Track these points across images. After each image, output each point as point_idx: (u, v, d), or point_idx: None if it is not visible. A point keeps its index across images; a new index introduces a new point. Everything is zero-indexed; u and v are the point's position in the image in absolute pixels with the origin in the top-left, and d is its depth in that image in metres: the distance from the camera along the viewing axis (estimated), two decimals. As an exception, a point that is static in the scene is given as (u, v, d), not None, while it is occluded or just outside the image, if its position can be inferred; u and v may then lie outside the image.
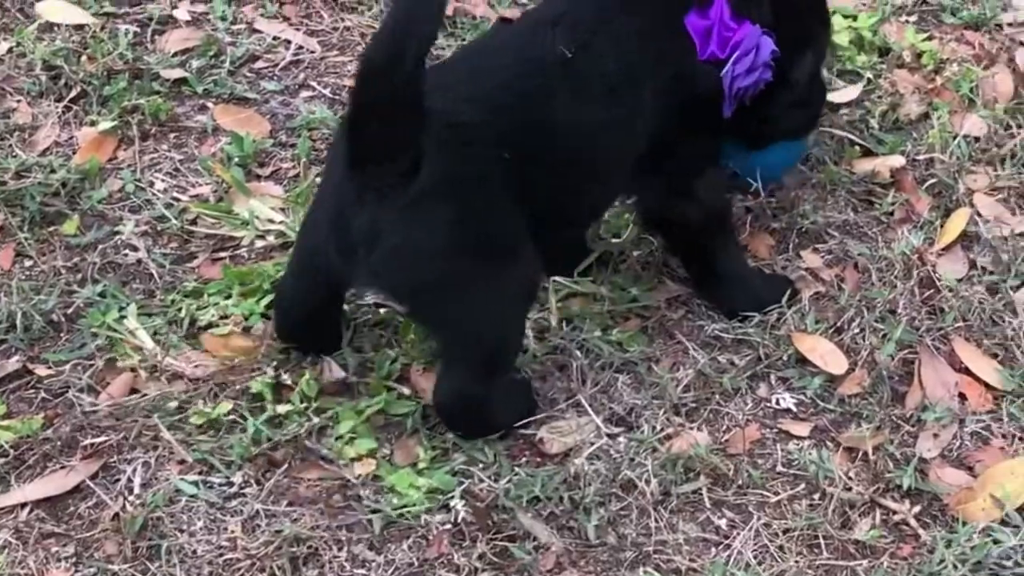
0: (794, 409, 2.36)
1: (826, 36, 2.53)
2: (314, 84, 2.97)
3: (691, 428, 2.31)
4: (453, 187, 2.06)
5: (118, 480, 2.23)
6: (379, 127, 1.99)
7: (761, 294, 2.46)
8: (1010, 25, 3.09)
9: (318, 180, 2.62)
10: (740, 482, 2.25)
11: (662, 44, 2.30)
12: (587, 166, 2.27)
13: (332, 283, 2.22)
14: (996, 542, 2.13)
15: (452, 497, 2.18)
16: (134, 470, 2.24)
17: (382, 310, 2.47)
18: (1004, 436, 2.30)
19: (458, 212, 2.08)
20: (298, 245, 2.34)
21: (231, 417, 2.29)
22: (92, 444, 2.26)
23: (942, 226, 2.62)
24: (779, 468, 2.27)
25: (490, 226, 2.13)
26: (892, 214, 2.66)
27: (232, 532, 2.15)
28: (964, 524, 2.15)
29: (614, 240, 2.56)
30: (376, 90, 1.98)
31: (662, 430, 2.29)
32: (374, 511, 2.17)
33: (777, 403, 2.37)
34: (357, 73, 2.07)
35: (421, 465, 2.23)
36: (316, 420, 2.29)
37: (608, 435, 2.29)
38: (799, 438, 2.32)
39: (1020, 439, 2.29)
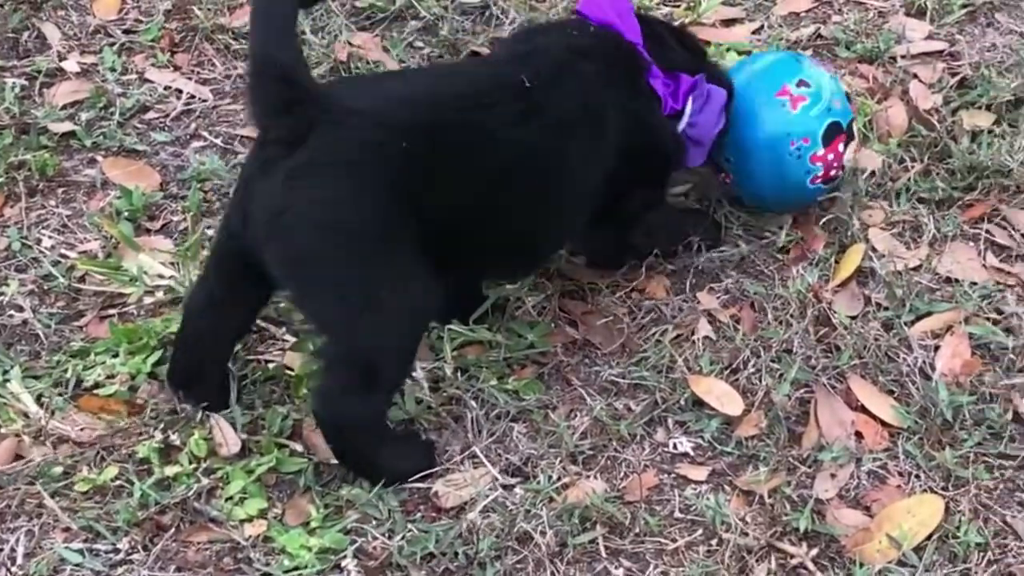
0: (691, 453, 2.34)
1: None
2: (205, 134, 2.93)
3: (588, 476, 2.28)
4: (340, 167, 2.05)
5: (0, 550, 2.17)
6: (269, 87, 2.03)
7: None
8: (903, 57, 3.11)
9: (210, 232, 2.58)
10: (637, 530, 2.22)
11: (624, 97, 2.37)
12: (528, 201, 2.27)
13: (248, 270, 2.16)
14: (893, 583, 2.12)
15: (344, 556, 2.14)
16: (17, 540, 2.18)
17: (271, 364, 2.42)
18: (901, 474, 2.29)
19: (341, 193, 2.06)
20: (215, 241, 2.32)
21: (117, 482, 2.24)
22: (-26, 514, 2.20)
23: (837, 262, 2.61)
24: (676, 514, 2.25)
25: (378, 221, 2.08)
26: (788, 251, 2.64)
27: (119, 601, 2.10)
28: (861, 566, 2.13)
29: (509, 286, 2.53)
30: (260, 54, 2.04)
31: (558, 479, 2.27)
32: (264, 575, 2.12)
33: (674, 447, 2.35)
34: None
35: (313, 524, 2.19)
36: (205, 481, 2.25)
37: (504, 486, 2.26)
38: (697, 483, 2.30)
39: (916, 477, 2.28)
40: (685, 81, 2.42)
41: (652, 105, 2.40)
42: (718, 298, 2.58)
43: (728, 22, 3.25)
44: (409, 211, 2.08)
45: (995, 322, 2.51)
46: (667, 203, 2.63)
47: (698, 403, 2.39)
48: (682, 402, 2.39)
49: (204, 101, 3.00)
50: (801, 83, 2.55)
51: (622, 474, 2.30)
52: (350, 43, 3.09)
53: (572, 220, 2.39)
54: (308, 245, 2.06)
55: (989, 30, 3.21)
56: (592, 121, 2.31)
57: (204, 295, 2.26)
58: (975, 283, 2.57)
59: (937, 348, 2.45)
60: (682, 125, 2.44)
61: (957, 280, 2.58)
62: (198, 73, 3.07)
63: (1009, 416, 2.34)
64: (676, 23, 2.89)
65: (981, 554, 2.16)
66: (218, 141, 2.90)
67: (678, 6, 3.28)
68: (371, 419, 2.17)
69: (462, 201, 2.16)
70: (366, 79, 2.58)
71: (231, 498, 2.22)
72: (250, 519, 2.20)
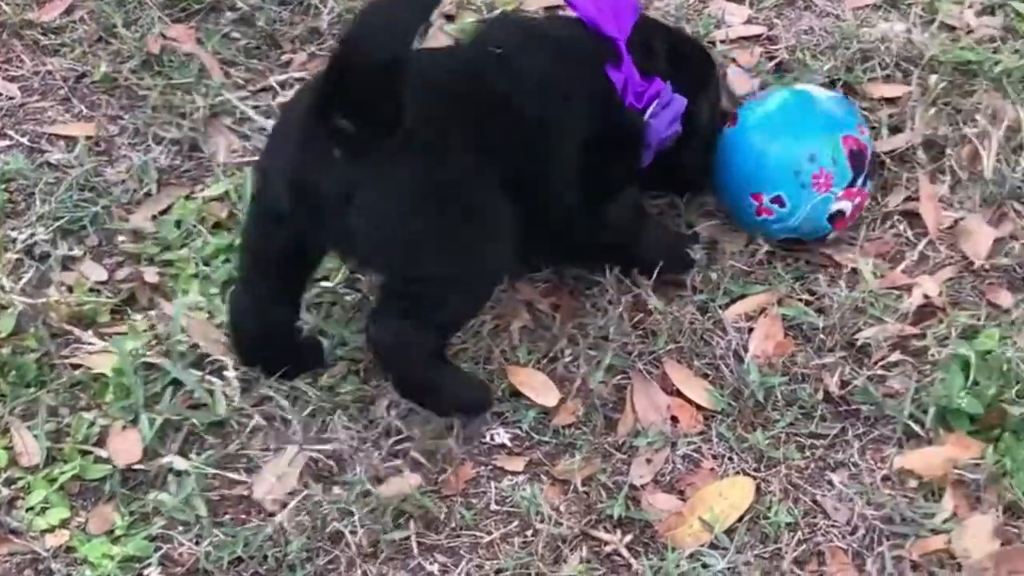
0: (509, 444, 2.33)
1: (716, 77, 2.65)
2: (11, 132, 2.83)
3: (404, 471, 2.25)
4: (433, 149, 2.10)
5: None
6: (365, 82, 2.00)
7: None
8: (723, 42, 3.12)
9: (14, 233, 2.50)
10: (453, 524, 2.20)
11: (579, 83, 2.38)
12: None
13: (295, 259, 2.22)
14: (705, 566, 2.12)
15: (149, 565, 2.08)
16: None
17: (78, 371, 2.35)
18: (715, 457, 2.30)
19: (435, 173, 2.11)
20: (248, 242, 2.31)
21: (-88, 495, 2.16)
22: None
23: (655, 247, 2.61)
24: (492, 506, 2.24)
25: (468, 193, 2.15)
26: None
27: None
28: (673, 550, 2.13)
29: (324, 283, 2.49)
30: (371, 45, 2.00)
31: (373, 475, 2.23)
32: (65, 586, 2.06)
33: (492, 439, 2.33)
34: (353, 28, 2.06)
35: (118, 532, 2.14)
36: (6, 492, 2.18)
37: (317, 484, 2.22)
38: (514, 473, 2.28)
39: (729, 459, 2.29)
40: (654, 85, 2.43)
41: (608, 92, 2.40)
42: (537, 287, 2.56)
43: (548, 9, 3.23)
44: (490, 184, 2.19)
45: (807, 303, 2.52)
46: (642, 212, 2.59)
47: (515, 394, 2.38)
48: (499, 393, 2.37)
49: (11, 98, 2.91)
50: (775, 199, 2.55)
51: (439, 467, 2.27)
52: (164, 35, 3.01)
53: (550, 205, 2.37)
54: (406, 233, 2.11)
55: (807, 13, 3.24)
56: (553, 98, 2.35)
57: (249, 299, 2.28)
58: (789, 264, 2.59)
59: (751, 330, 2.46)
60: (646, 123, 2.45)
61: (771, 262, 2.60)
62: (5, 70, 2.98)
63: (820, 396, 2.36)
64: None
65: (791, 534, 2.17)
66: (24, 140, 2.82)
67: (500, -6, 3.24)
68: (428, 345, 2.21)
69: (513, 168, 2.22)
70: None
71: (32, 508, 2.16)
72: (52, 529, 2.14)
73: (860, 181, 2.53)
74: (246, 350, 2.32)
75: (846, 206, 2.54)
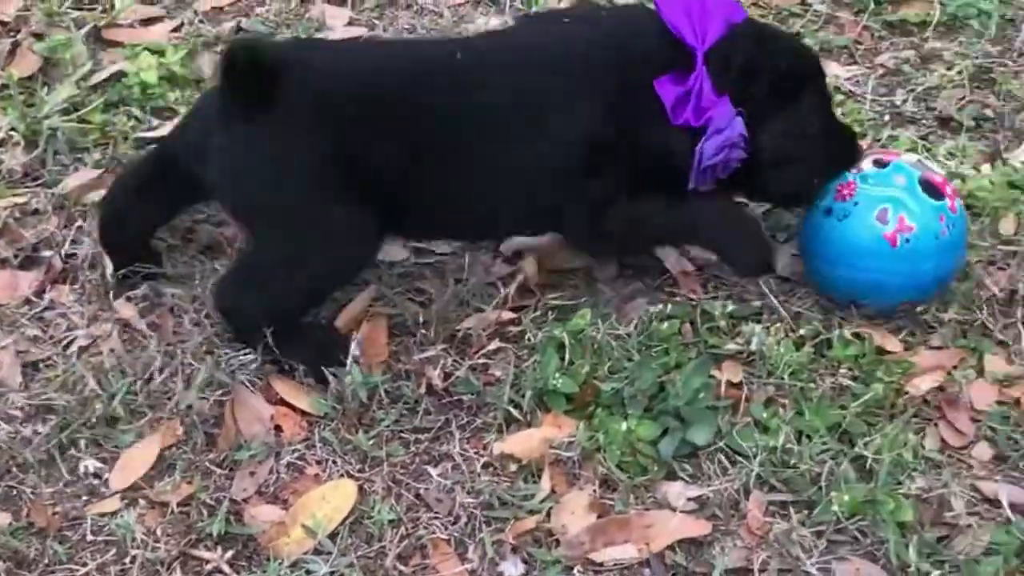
0: (103, 472, 2.24)
1: (813, 90, 2.45)
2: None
3: (-10, 512, 2.14)
4: (294, 131, 2.25)
5: None
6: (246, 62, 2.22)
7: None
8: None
9: None
10: (46, 560, 2.11)
11: (604, 91, 2.31)
12: (464, 170, 2.34)
13: (180, 192, 2.45)
14: (308, 572, 2.10)
15: None
16: None
17: None
18: (319, 463, 2.28)
19: (292, 152, 2.26)
20: (155, 153, 2.51)
21: None
22: None
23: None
24: (89, 537, 2.15)
25: (323, 180, 2.27)
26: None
27: None
28: (275, 561, 2.10)
29: None
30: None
31: (-45, 520, 2.12)
32: None
33: (86, 469, 2.24)
34: None
35: None
36: None
37: None
38: (112, 502, 2.20)
39: (334, 463, 2.28)
40: (720, 106, 2.30)
41: (646, 107, 2.31)
42: (137, 306, 2.49)
43: (148, 21, 3.16)
44: (350, 170, 2.25)
45: (413, 300, 2.53)
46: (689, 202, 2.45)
47: (112, 419, 2.30)
48: (93, 420, 2.28)
49: None
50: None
51: (26, 504, 2.17)
52: None
53: (521, 196, 2.38)
54: (258, 191, 2.28)
55: (407, 12, 3.27)
56: (539, 107, 2.32)
57: (133, 180, 2.48)
58: (394, 263, 2.59)
59: (356, 333, 2.45)
60: (700, 145, 2.32)
61: (380, 263, 2.59)
62: None
63: (423, 390, 2.37)
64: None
65: (394, 530, 2.18)
66: None
67: (93, 9, 3.15)
68: (262, 317, 2.32)
69: (403, 164, 2.29)
70: (332, 49, 2.58)
71: None
72: None
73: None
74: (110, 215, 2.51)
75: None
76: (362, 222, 2.31)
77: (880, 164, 2.46)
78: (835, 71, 3.15)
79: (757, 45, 2.37)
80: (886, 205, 2.39)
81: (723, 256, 2.50)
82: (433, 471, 2.25)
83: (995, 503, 2.22)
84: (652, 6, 2.39)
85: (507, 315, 2.50)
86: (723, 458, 2.28)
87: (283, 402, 2.36)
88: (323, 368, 2.34)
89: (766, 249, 2.50)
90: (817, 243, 2.47)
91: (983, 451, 2.32)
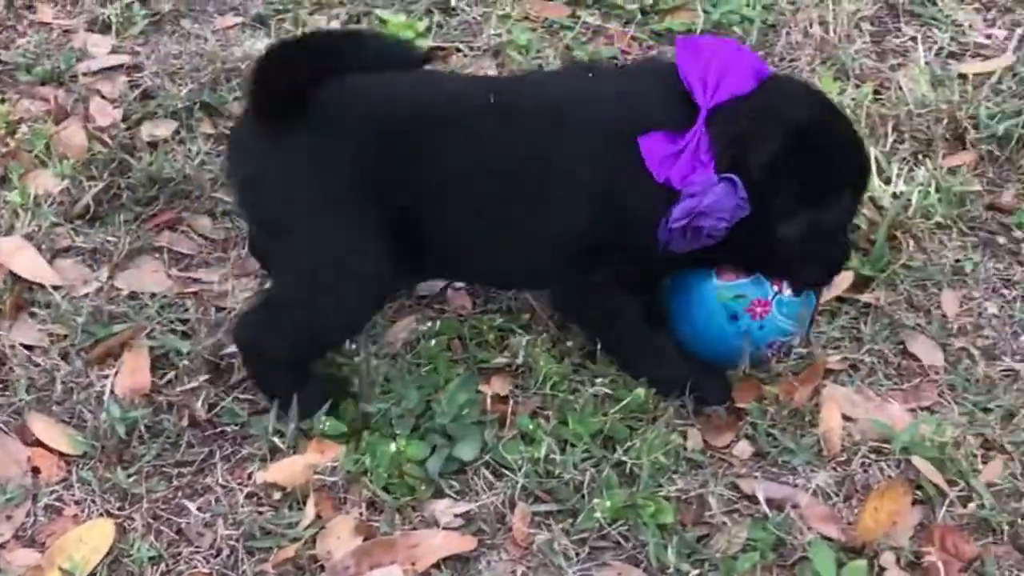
0: None
1: (851, 196, 2.33)
2: None
3: None
4: (316, 156, 2.19)
5: None
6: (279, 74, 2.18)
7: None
8: (85, 75, 3.05)
9: None
10: None
11: (612, 154, 2.21)
12: (484, 218, 2.28)
13: None
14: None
15: None
16: None
17: None
18: (77, 503, 2.23)
19: (310, 172, 2.20)
20: None
21: None
22: None
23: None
24: None
25: (339, 202, 2.21)
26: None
27: None
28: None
29: None
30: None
31: None
32: None
33: None
34: None
35: None
36: None
37: None
38: None
39: (93, 502, 2.23)
40: (700, 172, 2.19)
41: (635, 174, 2.21)
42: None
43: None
44: (376, 200, 2.19)
45: (176, 331, 2.49)
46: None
47: None
48: None
49: None
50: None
51: None
52: None
53: (540, 255, 2.33)
54: (278, 212, 2.23)
55: (172, 38, 3.22)
56: (547, 172, 2.26)
57: None
58: (156, 294, 2.55)
59: (116, 369, 2.40)
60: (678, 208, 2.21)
61: (141, 294, 2.55)
62: None
63: (185, 422, 2.33)
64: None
65: (155, 567, 2.14)
66: None
67: None
68: (281, 359, 2.29)
69: (425, 203, 2.23)
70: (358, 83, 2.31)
71: None
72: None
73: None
74: None
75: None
76: (381, 257, 2.25)
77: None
78: (603, 82, 3.18)
79: (777, 120, 2.21)
80: (779, 339, 2.39)
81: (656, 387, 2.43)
82: (193, 505, 2.21)
83: (753, 499, 2.27)
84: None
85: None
86: (489, 472, 2.29)
87: (40, 443, 2.30)
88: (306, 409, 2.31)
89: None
90: (706, 332, 2.39)
91: (743, 449, 2.38)
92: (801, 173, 2.20)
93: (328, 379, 2.37)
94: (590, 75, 2.40)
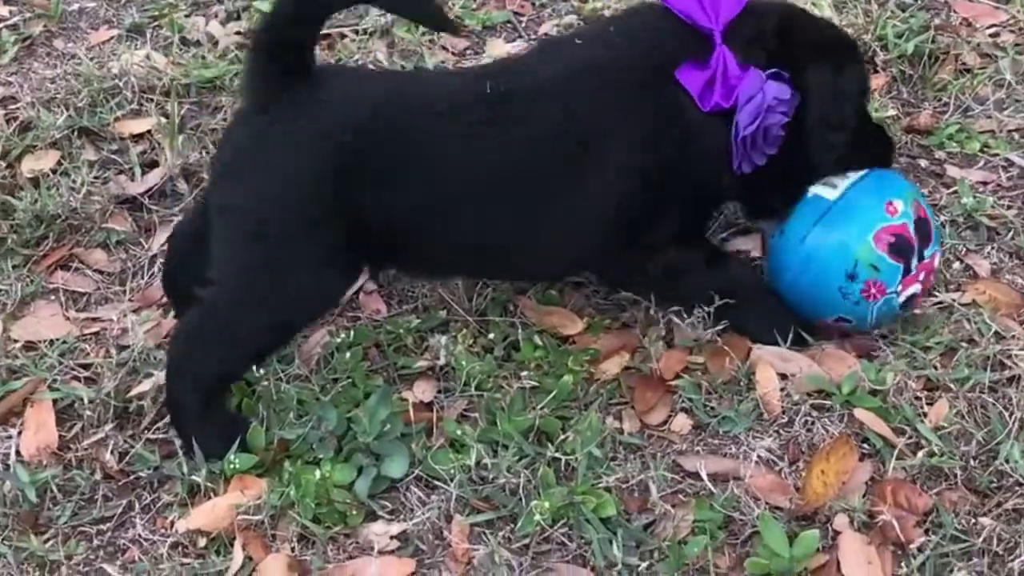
0: None
1: (855, 64, 2.31)
2: None
3: None
4: (284, 149, 2.10)
5: None
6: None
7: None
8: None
9: None
10: None
11: (646, 103, 2.14)
12: (490, 210, 2.18)
13: None
14: None
15: None
16: None
17: None
18: (-6, 579, 2.12)
19: (276, 172, 2.11)
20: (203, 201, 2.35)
21: None
22: None
23: None
24: None
25: (299, 208, 2.11)
26: None
27: None
28: None
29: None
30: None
31: None
32: None
33: None
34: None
35: None
36: None
37: None
38: None
39: (9, 575, 2.11)
40: (747, 77, 2.15)
41: (681, 109, 2.16)
42: None
43: None
44: (338, 205, 2.10)
45: (79, 377, 2.37)
46: (721, 257, 2.37)
47: None
48: None
49: None
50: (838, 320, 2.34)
51: None
52: None
53: (561, 235, 2.23)
54: (235, 203, 2.13)
55: (45, 61, 3.07)
56: (579, 140, 2.16)
57: (189, 223, 2.38)
58: (54, 341, 2.43)
59: (19, 428, 2.29)
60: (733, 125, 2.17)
61: (39, 343, 2.43)
62: None
63: (99, 475, 2.22)
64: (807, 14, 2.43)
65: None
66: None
67: None
68: (207, 376, 2.17)
69: (410, 202, 2.13)
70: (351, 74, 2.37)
71: None
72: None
73: (915, 262, 2.29)
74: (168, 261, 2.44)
75: (913, 290, 2.31)
76: (339, 252, 2.16)
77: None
78: (499, 49, 3.07)
79: (781, 12, 2.29)
80: (851, 321, 2.34)
81: (746, 331, 2.36)
82: (115, 568, 2.10)
83: (697, 477, 2.19)
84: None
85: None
86: (422, 487, 2.20)
87: (-50, 519, 2.19)
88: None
89: (789, 326, 2.35)
90: (819, 301, 2.32)
91: (682, 423, 2.29)
92: (816, 38, 2.27)
93: (231, 418, 2.24)
94: (578, 41, 2.29)
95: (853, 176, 2.29)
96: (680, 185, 2.20)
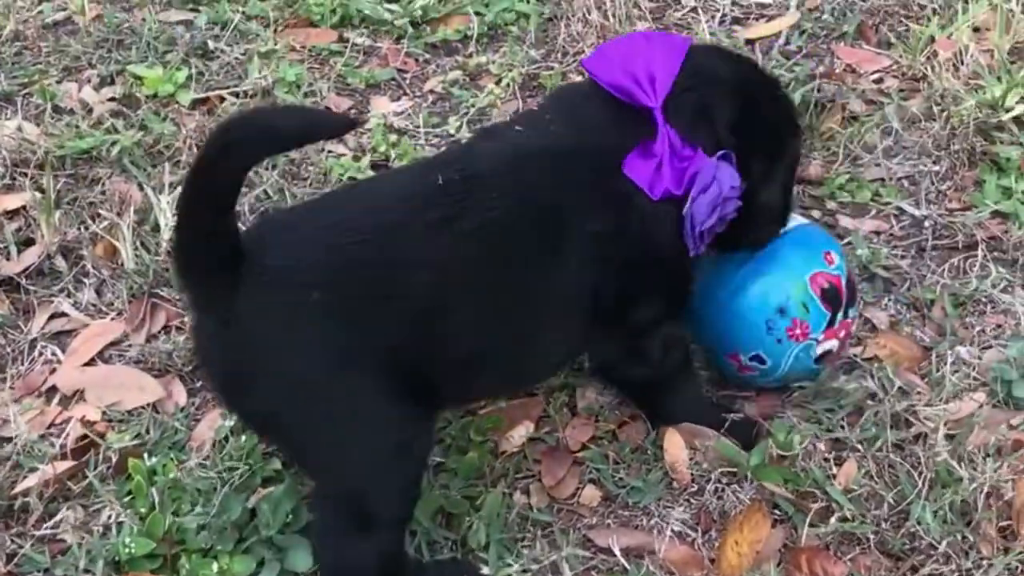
0: None
1: (797, 145, 2.25)
2: None
3: None
4: (270, 324, 1.89)
5: None
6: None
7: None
8: None
9: None
10: None
11: (596, 196, 2.01)
12: (473, 317, 1.98)
13: None
14: None
15: None
16: None
17: None
18: None
19: (278, 346, 1.89)
20: None
21: None
22: None
23: None
24: None
25: (323, 365, 1.89)
26: None
27: None
28: None
29: None
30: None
31: None
32: None
33: None
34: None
35: None
36: None
37: None
38: None
39: None
40: (695, 161, 2.01)
41: (631, 202, 2.02)
42: None
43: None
44: (357, 347, 1.89)
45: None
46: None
47: None
48: None
49: None
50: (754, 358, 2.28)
51: None
52: None
53: (549, 331, 2.08)
54: (265, 401, 1.92)
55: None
56: (536, 229, 2.00)
57: None
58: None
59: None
60: (685, 210, 2.04)
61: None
62: None
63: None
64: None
65: None
66: None
67: None
68: (376, 561, 1.97)
69: (408, 328, 1.92)
70: (287, 220, 2.06)
71: None
72: None
73: (840, 316, 2.25)
74: None
75: (831, 345, 2.27)
76: (402, 395, 1.94)
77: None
78: (384, 108, 3.02)
79: (734, 76, 2.15)
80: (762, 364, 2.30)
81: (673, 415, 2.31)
82: None
83: (610, 552, 2.14)
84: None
85: (66, 466, 2.25)
86: (327, 579, 2.11)
87: None
88: None
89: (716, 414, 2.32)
90: (744, 331, 2.27)
91: (591, 495, 2.25)
92: (763, 125, 2.15)
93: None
94: (517, 129, 2.14)
95: (792, 223, 2.30)
96: (648, 270, 2.12)
